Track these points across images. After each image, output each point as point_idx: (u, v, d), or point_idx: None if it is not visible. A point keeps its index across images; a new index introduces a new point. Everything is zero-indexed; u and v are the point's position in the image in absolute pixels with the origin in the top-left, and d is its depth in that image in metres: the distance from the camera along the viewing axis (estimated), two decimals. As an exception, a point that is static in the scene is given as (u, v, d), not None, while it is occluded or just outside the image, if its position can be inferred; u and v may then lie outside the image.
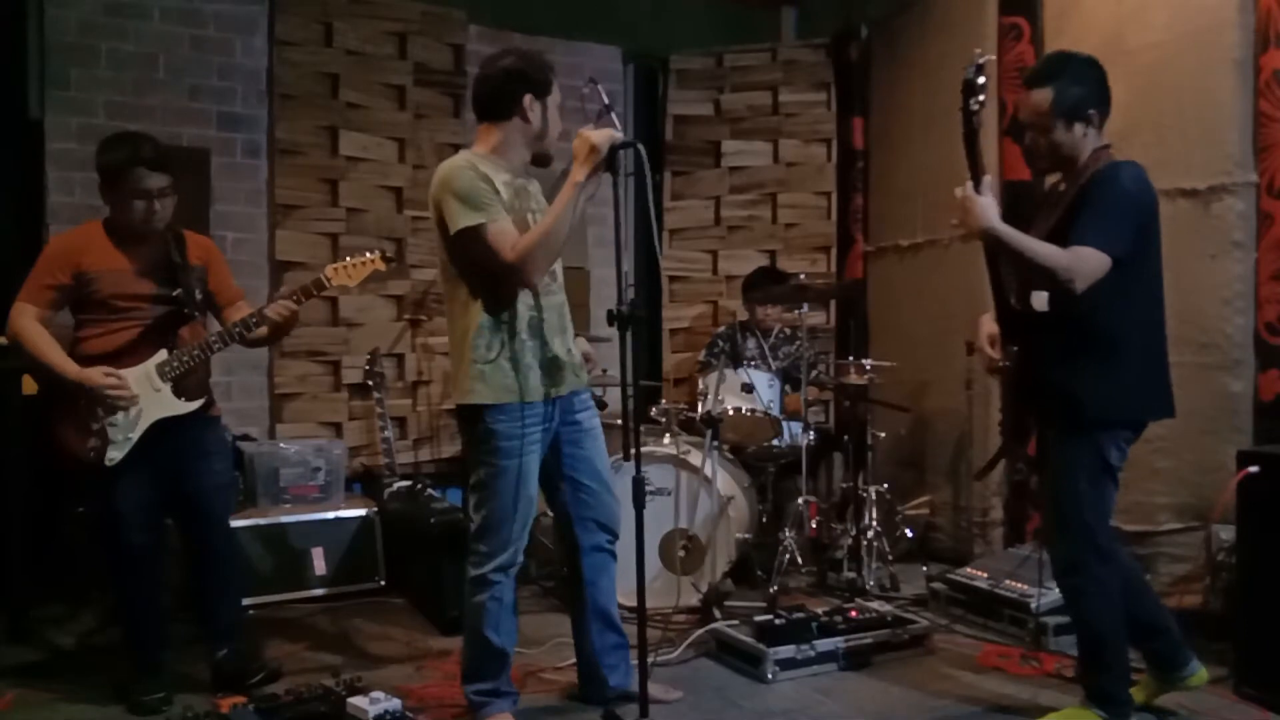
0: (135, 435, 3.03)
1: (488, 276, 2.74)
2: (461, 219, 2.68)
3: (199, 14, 4.66)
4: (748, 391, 4.27)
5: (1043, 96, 2.71)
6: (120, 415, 3.01)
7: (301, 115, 4.81)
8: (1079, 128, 2.72)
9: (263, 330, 3.17)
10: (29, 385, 3.64)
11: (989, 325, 2.96)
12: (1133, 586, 2.85)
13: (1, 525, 3.74)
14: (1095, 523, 2.73)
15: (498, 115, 2.82)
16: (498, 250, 2.67)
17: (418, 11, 5.10)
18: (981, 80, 2.55)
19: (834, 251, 5.66)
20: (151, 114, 4.49)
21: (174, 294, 3.13)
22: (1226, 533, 3.35)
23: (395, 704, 2.83)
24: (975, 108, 2.57)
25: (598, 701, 3.00)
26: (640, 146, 2.68)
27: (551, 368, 2.83)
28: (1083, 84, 2.73)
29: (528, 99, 2.79)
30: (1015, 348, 2.84)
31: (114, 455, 3.01)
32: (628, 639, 3.06)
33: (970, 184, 2.63)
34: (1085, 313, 2.65)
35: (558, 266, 2.92)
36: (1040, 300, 2.71)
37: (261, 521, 4.23)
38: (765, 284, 4.94)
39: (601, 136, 2.67)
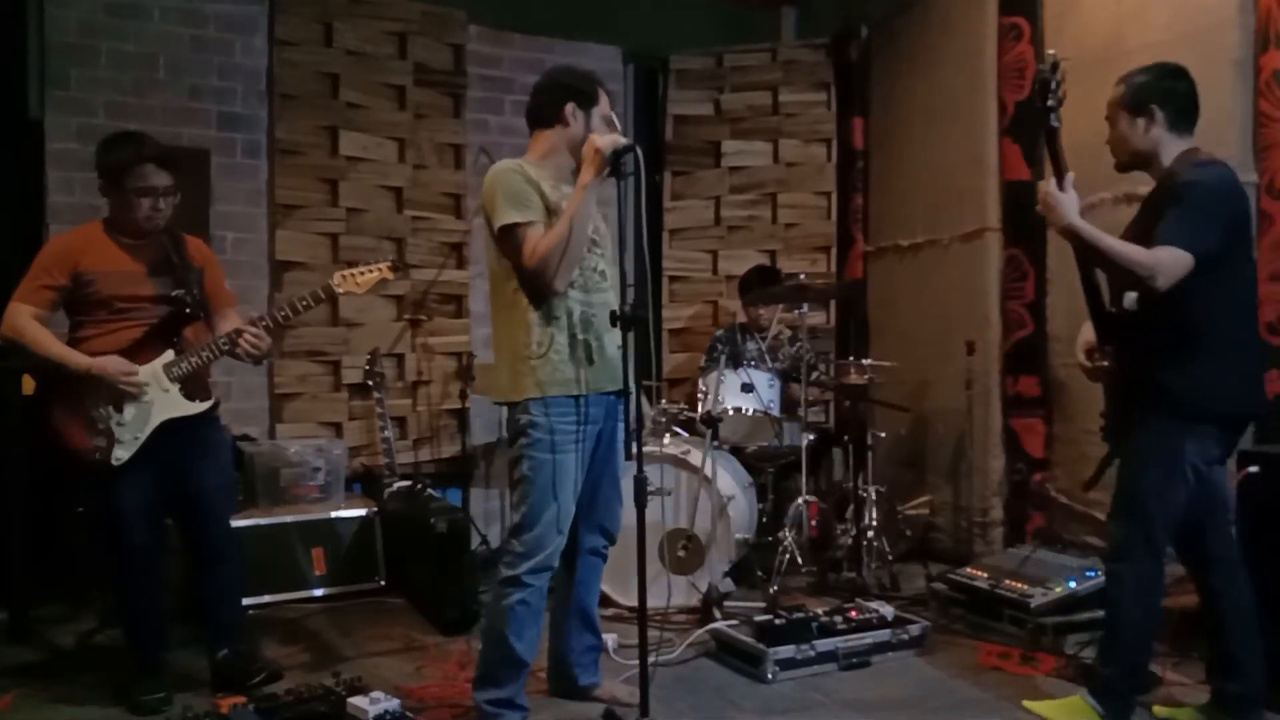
0: (143, 435, 3.03)
1: (527, 275, 2.80)
2: (501, 217, 2.77)
3: (199, 14, 4.66)
4: (748, 391, 4.27)
5: (1116, 91, 2.82)
6: (128, 414, 3.01)
7: (301, 115, 4.80)
8: (1142, 122, 2.77)
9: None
10: (29, 385, 3.63)
11: (1085, 333, 3.01)
12: (1230, 617, 2.84)
13: (1, 525, 3.74)
14: (1155, 515, 2.73)
15: (544, 123, 2.95)
16: (523, 254, 2.75)
17: (418, 11, 5.10)
18: (1057, 78, 2.63)
19: (834, 251, 5.66)
20: (151, 114, 4.49)
21: (175, 294, 3.13)
22: (1226, 533, 3.34)
23: (395, 704, 2.82)
24: (1053, 104, 2.64)
25: (562, 695, 3.09)
26: (638, 151, 2.72)
27: (602, 363, 2.87)
28: (1146, 84, 2.79)
29: (570, 107, 2.90)
30: (1110, 348, 2.87)
31: (121, 455, 3.00)
32: (602, 642, 3.20)
33: (1054, 180, 2.69)
34: (1174, 310, 2.67)
35: (607, 266, 2.95)
36: (1130, 299, 2.76)
37: (261, 521, 4.22)
38: (761, 284, 4.95)
39: (606, 141, 2.74)
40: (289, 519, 4.29)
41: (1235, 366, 2.74)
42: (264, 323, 3.14)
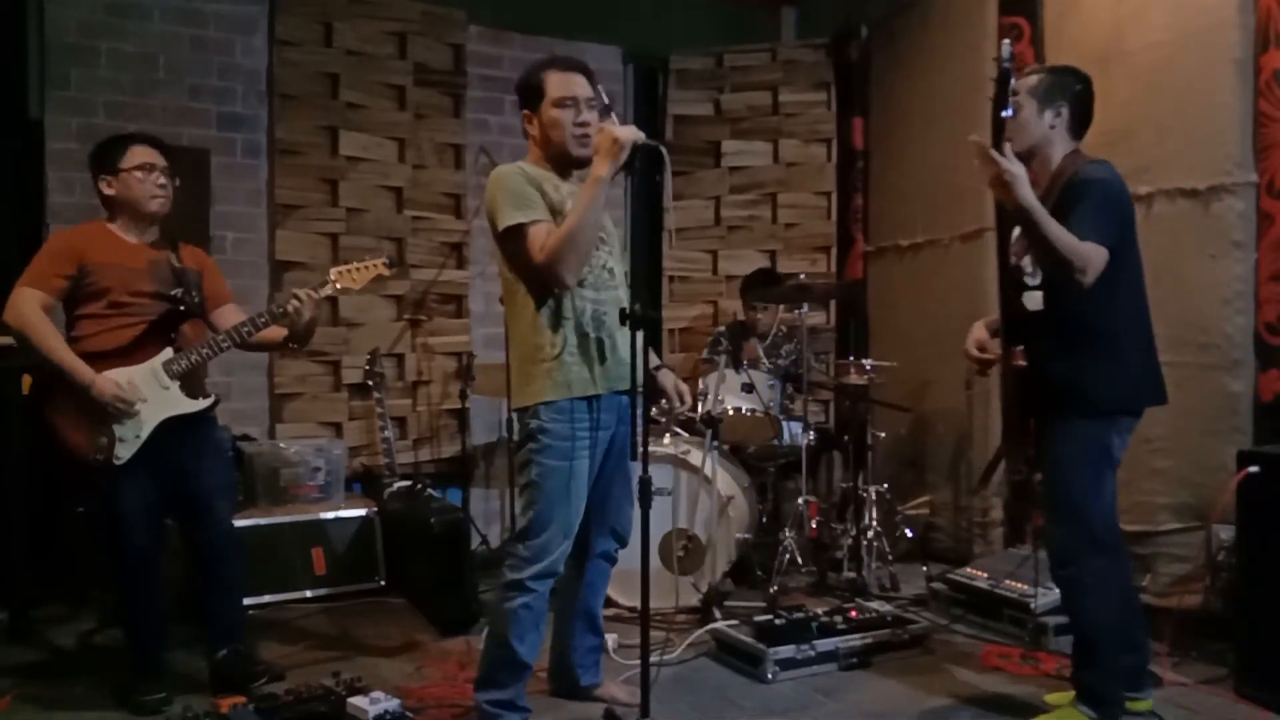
0: (144, 434, 3.03)
1: (536, 275, 2.76)
2: (505, 218, 2.72)
3: (199, 14, 4.67)
4: (748, 391, 4.27)
5: (1027, 80, 2.84)
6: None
7: (301, 115, 4.81)
8: (1048, 115, 2.80)
9: (271, 333, 3.20)
10: (29, 385, 3.63)
11: (978, 331, 3.02)
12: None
13: (1, 525, 3.74)
14: (1094, 514, 2.74)
15: (524, 133, 2.92)
16: (531, 252, 2.70)
17: (418, 11, 5.10)
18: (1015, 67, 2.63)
19: (834, 251, 5.66)
20: (151, 114, 4.49)
21: (173, 291, 3.14)
22: (1226, 533, 3.35)
23: (395, 704, 2.83)
24: (1014, 93, 2.63)
25: (564, 695, 3.09)
26: (663, 148, 2.69)
27: (615, 362, 2.83)
28: (1061, 80, 2.83)
29: (525, 114, 2.88)
30: (1018, 348, 2.85)
31: (122, 454, 3.00)
32: (604, 642, 3.20)
33: (1007, 148, 2.61)
34: (1081, 307, 2.69)
35: (616, 264, 2.93)
36: (1034, 300, 2.78)
37: (261, 521, 4.22)
38: (762, 286, 4.95)
39: (627, 133, 2.66)
40: (289, 519, 4.29)
41: (1141, 357, 2.79)
42: (262, 319, 3.16)
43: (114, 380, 2.98)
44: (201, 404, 3.16)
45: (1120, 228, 2.69)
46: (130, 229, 3.16)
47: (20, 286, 3.01)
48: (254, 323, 3.15)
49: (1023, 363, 2.84)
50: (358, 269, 3.27)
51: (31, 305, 2.98)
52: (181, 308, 3.14)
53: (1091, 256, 2.60)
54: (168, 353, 3.10)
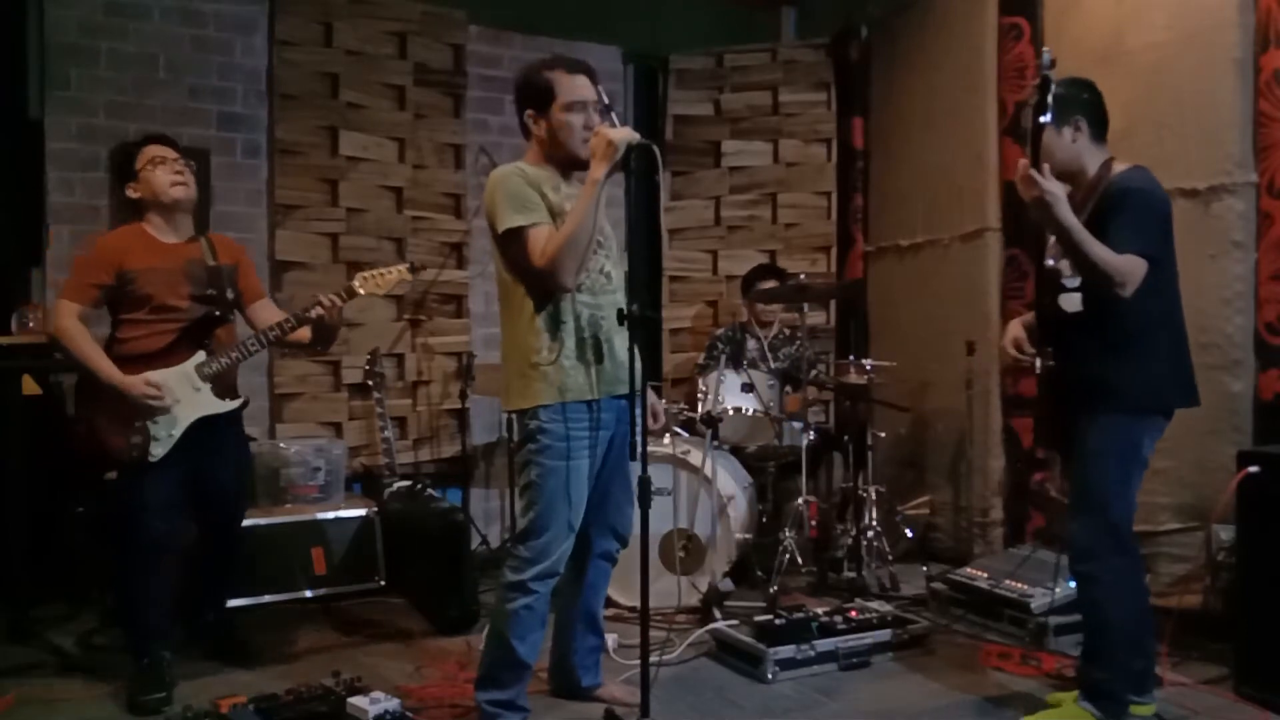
0: (177, 433, 3.14)
1: (535, 278, 2.75)
2: (504, 221, 2.72)
3: (199, 14, 4.66)
4: (748, 391, 4.27)
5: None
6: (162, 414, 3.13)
7: (301, 115, 4.80)
8: (1067, 132, 2.80)
9: (299, 333, 3.28)
10: (29, 385, 3.65)
11: (1015, 329, 3.04)
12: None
13: (1, 525, 3.74)
14: (1118, 511, 2.75)
15: (523, 133, 2.90)
16: (531, 255, 2.70)
17: (418, 11, 5.10)
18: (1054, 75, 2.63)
19: (834, 251, 5.66)
20: (151, 114, 4.49)
21: (209, 292, 3.25)
22: (1226, 533, 3.35)
23: (395, 704, 2.83)
24: (1052, 101, 2.61)
25: (564, 695, 3.10)
26: (655, 148, 2.69)
27: (612, 365, 2.83)
28: (1067, 94, 2.80)
29: (529, 115, 2.85)
30: (1051, 349, 2.87)
31: (157, 452, 3.11)
32: (604, 642, 3.21)
33: (1046, 168, 2.62)
34: (1118, 309, 2.70)
35: (614, 268, 2.92)
36: (1072, 302, 2.79)
37: (261, 521, 4.21)
38: (765, 280, 4.96)
39: (620, 135, 2.66)
40: (289, 519, 4.29)
41: (1176, 359, 2.82)
42: (289, 323, 3.24)
43: (142, 376, 3.08)
44: (231, 404, 3.28)
45: (1160, 235, 2.71)
46: (164, 227, 3.28)
47: (60, 300, 3.18)
48: (281, 327, 3.24)
49: (1051, 363, 2.86)
50: (382, 274, 3.32)
51: (68, 317, 3.13)
52: (217, 312, 3.25)
53: (1131, 270, 2.63)
54: (201, 355, 3.20)
